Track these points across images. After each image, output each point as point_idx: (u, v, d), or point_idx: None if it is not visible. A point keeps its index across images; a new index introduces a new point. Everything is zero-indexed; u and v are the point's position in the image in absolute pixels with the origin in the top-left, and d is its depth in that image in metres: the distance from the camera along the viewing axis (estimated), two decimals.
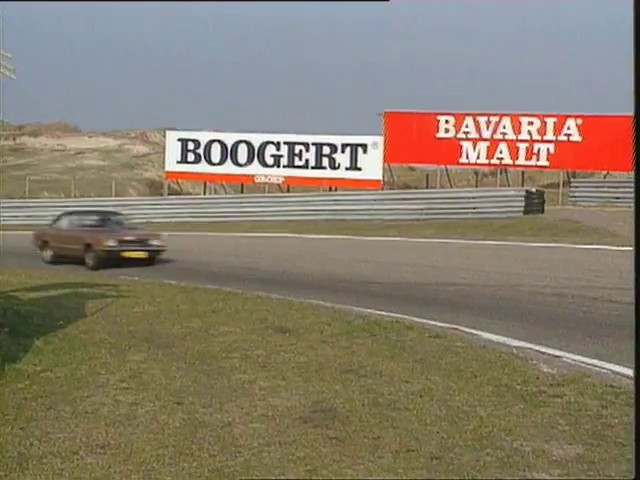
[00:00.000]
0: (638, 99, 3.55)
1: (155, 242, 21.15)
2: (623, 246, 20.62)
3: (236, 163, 41.77)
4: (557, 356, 8.73)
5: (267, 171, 41.49)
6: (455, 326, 10.64)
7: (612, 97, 59.71)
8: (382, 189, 38.99)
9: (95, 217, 23.07)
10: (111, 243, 20.56)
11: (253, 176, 41.71)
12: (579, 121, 36.65)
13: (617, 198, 33.05)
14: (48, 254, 22.42)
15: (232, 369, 7.77)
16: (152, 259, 20.74)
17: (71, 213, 23.88)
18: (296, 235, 29.27)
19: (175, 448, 5.38)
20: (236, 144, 41.83)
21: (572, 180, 37.67)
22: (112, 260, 20.18)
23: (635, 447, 3.51)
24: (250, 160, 41.66)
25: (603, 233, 25.60)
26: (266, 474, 4.87)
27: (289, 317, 11.00)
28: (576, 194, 35.53)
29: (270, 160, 41.49)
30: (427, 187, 40.66)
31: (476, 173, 43.28)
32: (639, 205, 3.88)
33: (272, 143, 41.52)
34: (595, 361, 8.43)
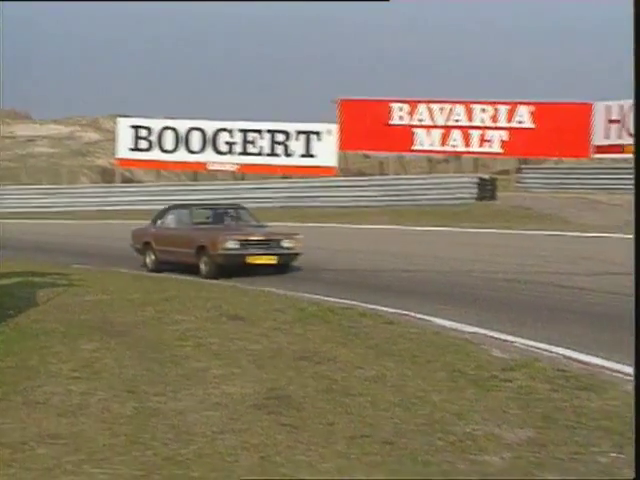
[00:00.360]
0: (638, 92, 3.61)
1: (287, 243, 16.10)
2: (574, 232, 20.92)
3: (189, 150, 41.54)
4: (509, 341, 8.84)
5: (221, 158, 41.34)
6: (409, 312, 10.73)
7: (564, 84, 60.28)
8: (336, 176, 39.01)
9: (211, 211, 18.01)
10: (231, 245, 15.77)
11: (206, 163, 41.51)
12: (531, 108, 36.97)
13: (568, 185, 33.44)
14: (150, 259, 17.57)
15: (186, 357, 7.74)
16: (284, 265, 16.09)
17: (179, 206, 18.47)
18: None
19: (127, 437, 5.34)
20: (189, 131, 41.59)
21: (524, 167, 38.01)
22: (233, 267, 15.75)
23: (635, 447, 3.53)
24: (203, 147, 41.45)
25: (554, 219, 25.92)
26: (220, 462, 4.86)
27: (243, 305, 10.99)
28: (528, 181, 35.87)
29: (223, 147, 41.33)
30: (381, 174, 40.78)
31: (430, 160, 43.47)
32: (639, 195, 3.85)
33: (225, 130, 41.35)
34: (546, 345, 8.55)
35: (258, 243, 15.98)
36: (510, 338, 8.99)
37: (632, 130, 33.55)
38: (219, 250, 15.70)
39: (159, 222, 18.03)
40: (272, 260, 15.75)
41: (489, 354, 7.92)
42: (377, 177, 39.32)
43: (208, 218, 17.54)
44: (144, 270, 16.98)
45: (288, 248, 15.99)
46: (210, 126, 41.43)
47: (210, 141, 41.38)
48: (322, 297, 12.21)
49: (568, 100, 36.54)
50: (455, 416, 5.76)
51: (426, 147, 38.85)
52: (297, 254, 16.10)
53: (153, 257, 17.48)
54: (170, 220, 17.70)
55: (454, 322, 10.07)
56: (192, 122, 41.73)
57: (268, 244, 15.97)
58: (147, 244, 17.71)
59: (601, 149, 34.77)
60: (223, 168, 41.60)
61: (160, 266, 17.06)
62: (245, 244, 15.87)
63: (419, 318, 10.40)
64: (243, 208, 18.31)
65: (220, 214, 17.70)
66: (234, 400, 6.21)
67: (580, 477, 4.40)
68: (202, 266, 15.98)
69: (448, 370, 7.17)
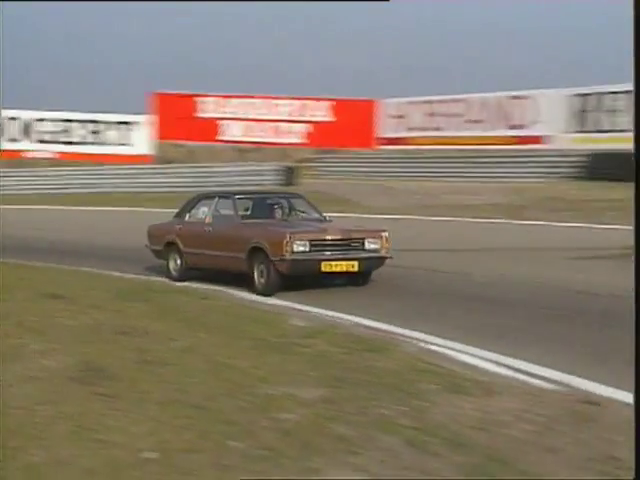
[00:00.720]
0: (638, 90, 3.61)
1: (372, 243, 11.00)
2: (369, 214, 21.48)
3: (7, 139, 39.72)
4: (309, 311, 9.06)
5: (39, 147, 39.79)
6: (222, 288, 10.78)
7: (355, 83, 61.15)
8: (151, 164, 38.44)
9: (259, 201, 12.42)
10: (301, 247, 10.61)
11: (25, 152, 39.84)
12: (330, 103, 37.75)
13: (363, 172, 34.38)
14: (176, 265, 12.18)
15: (5, 335, 7.41)
16: (366, 273, 11.12)
17: (215, 195, 12.70)
18: (67, 207, 28.34)
19: None
20: (6, 120, 39.77)
21: (323, 156, 38.78)
22: (302, 276, 10.91)
23: (635, 447, 3.36)
24: (21, 136, 39.76)
25: (351, 203, 26.47)
26: (37, 432, 4.72)
27: (63, 284, 10.62)
28: (327, 168, 36.61)
29: (42, 136, 39.80)
30: (194, 162, 40.46)
31: (238, 150, 43.50)
32: (639, 194, 3.58)
33: (44, 120, 39.81)
34: (341, 315, 8.82)
35: (335, 244, 10.84)
36: (309, 309, 9.22)
37: (414, 124, 35.05)
38: (285, 254, 10.45)
39: (187, 216, 12.53)
40: (353, 267, 10.73)
41: (292, 324, 8.09)
42: (190, 165, 38.97)
43: (256, 210, 12.01)
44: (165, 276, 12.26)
45: (373, 250, 10.94)
46: (28, 115, 39.79)
47: (28, 130, 39.75)
48: (140, 275, 12.05)
49: (361, 97, 37.62)
50: (259, 380, 5.85)
51: (233, 138, 39.03)
52: (384, 258, 10.97)
53: (180, 262, 12.12)
54: (204, 213, 12.20)
55: (262, 296, 10.20)
56: (10, 111, 39.90)
57: (348, 245, 10.89)
58: (171, 245, 12.28)
59: (385, 141, 36.15)
60: (41, 156, 40.03)
61: (189, 273, 12.06)
62: (319, 246, 10.72)
63: (229, 293, 10.48)
64: (300, 196, 12.83)
65: (272, 205, 12.10)
66: (52, 373, 6.03)
67: (578, 477, 4.21)
68: (256, 276, 10.76)
69: (254, 339, 7.26)
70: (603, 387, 5.87)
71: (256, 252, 10.76)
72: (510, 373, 6.33)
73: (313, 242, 10.68)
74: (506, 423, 4.97)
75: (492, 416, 5.09)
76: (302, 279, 10.82)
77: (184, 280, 11.78)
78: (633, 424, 3.25)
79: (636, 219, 3.63)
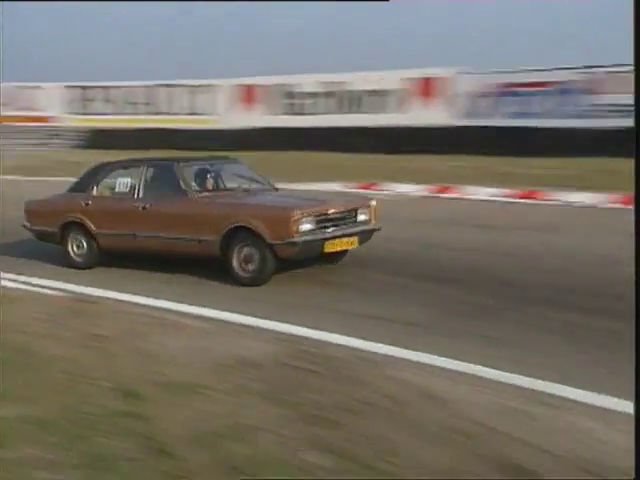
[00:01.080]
0: (638, 90, 3.01)
1: (364, 215, 7.14)
2: None
3: None
4: None
5: None
6: None
7: None
8: None
9: (201, 168, 7.43)
10: (307, 225, 6.56)
11: None
12: None
13: None
14: (82, 250, 7.61)
15: None
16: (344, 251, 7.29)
17: (139, 164, 7.49)
18: None
19: None
20: None
21: None
22: (304, 260, 6.95)
23: (635, 447, 2.74)
24: None
25: None
26: None
27: None
28: None
29: None
30: None
31: None
32: (639, 193, 2.95)
33: None
34: None
35: (336, 219, 6.99)
36: None
37: None
38: (294, 236, 6.54)
39: (94, 189, 7.73)
40: (353, 244, 7.07)
41: None
42: None
43: (204, 181, 7.40)
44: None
45: (364, 222, 7.25)
46: None
47: None
48: None
49: None
50: None
51: None
52: (374, 230, 7.31)
53: (87, 246, 7.65)
54: (125, 185, 7.52)
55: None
56: None
57: (345, 219, 7.11)
58: (73, 225, 7.70)
59: None
60: None
61: (99, 259, 7.64)
62: (322, 222, 6.83)
63: None
64: (236, 161, 8.14)
65: (216, 172, 7.61)
66: None
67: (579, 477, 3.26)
68: (236, 263, 6.74)
69: None
70: (100, 290, 6.27)
71: (238, 234, 6.71)
72: (31, 288, 6.40)
73: (318, 219, 6.80)
74: (26, 323, 5.12)
75: (16, 320, 5.19)
76: (300, 263, 7.07)
77: (92, 267, 7.65)
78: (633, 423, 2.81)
79: (636, 218, 2.92)
